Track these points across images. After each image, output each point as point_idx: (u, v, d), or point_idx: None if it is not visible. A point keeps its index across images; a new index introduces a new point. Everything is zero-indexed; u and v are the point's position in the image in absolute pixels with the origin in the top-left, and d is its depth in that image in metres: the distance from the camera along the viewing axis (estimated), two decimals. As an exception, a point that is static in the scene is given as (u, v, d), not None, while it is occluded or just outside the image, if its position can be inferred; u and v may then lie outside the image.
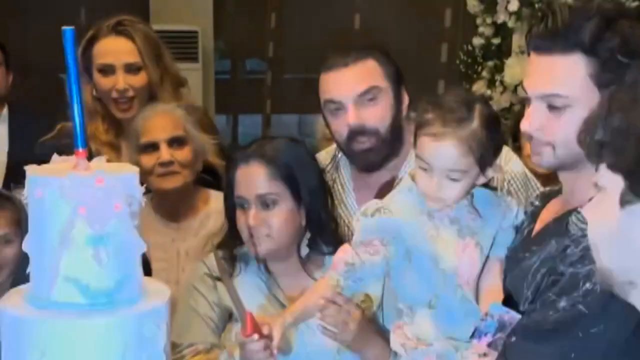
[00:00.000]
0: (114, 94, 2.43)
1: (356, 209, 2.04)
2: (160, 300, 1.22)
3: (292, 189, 1.90)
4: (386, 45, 2.12)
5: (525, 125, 1.55)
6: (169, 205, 2.33)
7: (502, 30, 4.58)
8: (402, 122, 2.02)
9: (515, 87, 4.47)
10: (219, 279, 1.94)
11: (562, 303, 1.43)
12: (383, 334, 1.80)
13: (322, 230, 1.94)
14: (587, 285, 1.41)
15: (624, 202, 1.05)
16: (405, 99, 2.04)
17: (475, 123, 1.63)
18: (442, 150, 1.63)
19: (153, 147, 2.26)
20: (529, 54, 1.57)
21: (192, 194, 2.35)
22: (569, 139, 1.47)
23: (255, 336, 1.65)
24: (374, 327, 1.81)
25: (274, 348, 1.68)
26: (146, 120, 2.30)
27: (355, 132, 1.97)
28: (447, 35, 5.25)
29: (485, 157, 1.67)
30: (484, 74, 4.66)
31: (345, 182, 2.10)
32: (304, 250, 1.95)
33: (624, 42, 1.45)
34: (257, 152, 1.91)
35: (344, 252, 1.74)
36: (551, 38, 1.49)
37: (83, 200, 1.13)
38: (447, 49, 5.15)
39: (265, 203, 1.88)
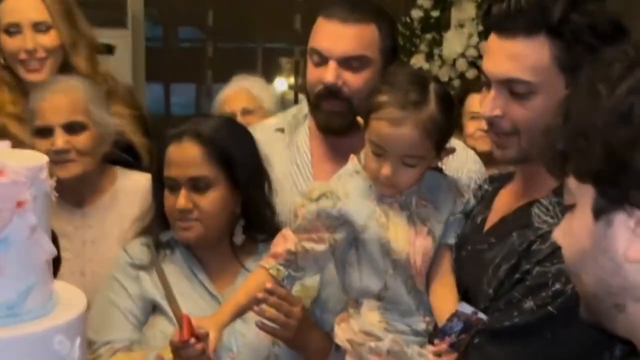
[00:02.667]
0: (22, 55, 2.24)
1: (310, 173, 1.95)
2: (74, 312, 1.06)
3: (228, 171, 1.76)
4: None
5: (484, 111, 1.48)
6: (71, 191, 2.07)
7: (441, 2, 4.51)
8: None
9: (454, 60, 4.42)
10: (142, 268, 1.79)
11: (529, 303, 1.37)
12: (322, 328, 1.69)
13: (258, 217, 1.81)
14: (557, 285, 1.34)
15: (597, 212, 0.93)
16: None
17: (432, 105, 1.53)
18: (400, 136, 1.53)
19: (48, 131, 2.04)
20: (486, 35, 1.48)
21: (97, 177, 2.13)
22: (533, 127, 1.40)
23: (192, 340, 1.50)
24: (312, 320, 1.70)
25: (210, 352, 1.54)
26: (41, 100, 2.06)
27: (329, 92, 1.87)
28: (388, 6, 5.13)
29: (442, 140, 1.59)
30: (422, 47, 4.59)
31: (302, 142, 2.00)
32: (239, 238, 1.79)
33: (590, 24, 1.40)
34: (192, 130, 1.77)
35: (285, 239, 1.61)
36: (514, 18, 1.41)
37: (-22, 197, 0.95)
38: (389, 21, 5.03)
39: (198, 186, 1.72)
